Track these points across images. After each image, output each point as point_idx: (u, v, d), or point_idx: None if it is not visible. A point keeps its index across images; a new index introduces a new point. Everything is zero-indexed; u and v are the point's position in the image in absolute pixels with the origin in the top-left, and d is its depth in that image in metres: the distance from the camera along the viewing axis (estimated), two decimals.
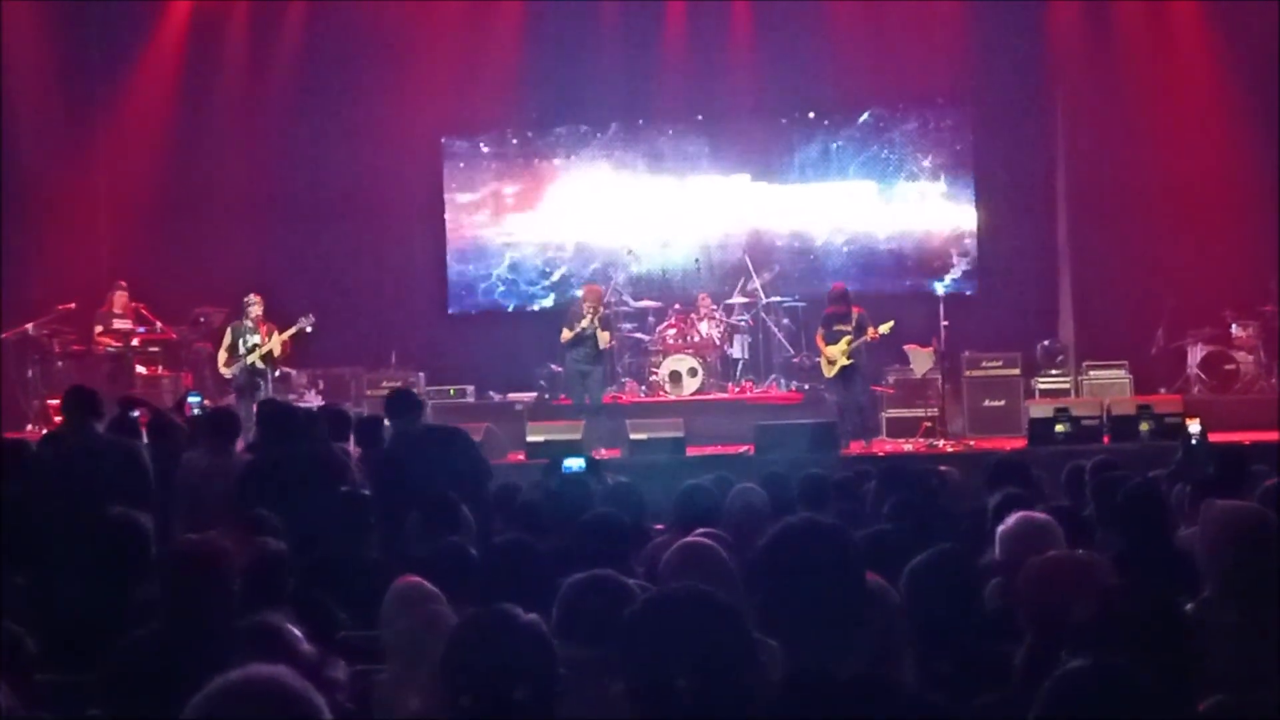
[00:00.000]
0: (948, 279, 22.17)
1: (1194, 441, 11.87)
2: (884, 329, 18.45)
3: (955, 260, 22.82)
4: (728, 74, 23.03)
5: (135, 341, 20.17)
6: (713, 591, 3.69)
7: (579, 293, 20.15)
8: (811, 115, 23.32)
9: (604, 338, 18.79)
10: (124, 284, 20.37)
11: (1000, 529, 6.17)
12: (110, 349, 19.88)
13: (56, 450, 10.33)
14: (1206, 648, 5.02)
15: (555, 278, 23.48)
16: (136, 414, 11.39)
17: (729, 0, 23.08)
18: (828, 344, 18.66)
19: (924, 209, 23.07)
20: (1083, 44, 22.08)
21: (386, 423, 11.40)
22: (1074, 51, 22.13)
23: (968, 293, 22.13)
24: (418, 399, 11.27)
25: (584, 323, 18.63)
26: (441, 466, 9.92)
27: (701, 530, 6.75)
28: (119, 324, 20.06)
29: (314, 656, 4.87)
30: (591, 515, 7.31)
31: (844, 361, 18.44)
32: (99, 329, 20.03)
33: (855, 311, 18.66)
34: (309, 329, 18.75)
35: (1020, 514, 6.28)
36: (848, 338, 18.43)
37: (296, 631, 4.97)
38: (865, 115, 23.20)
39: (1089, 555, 5.64)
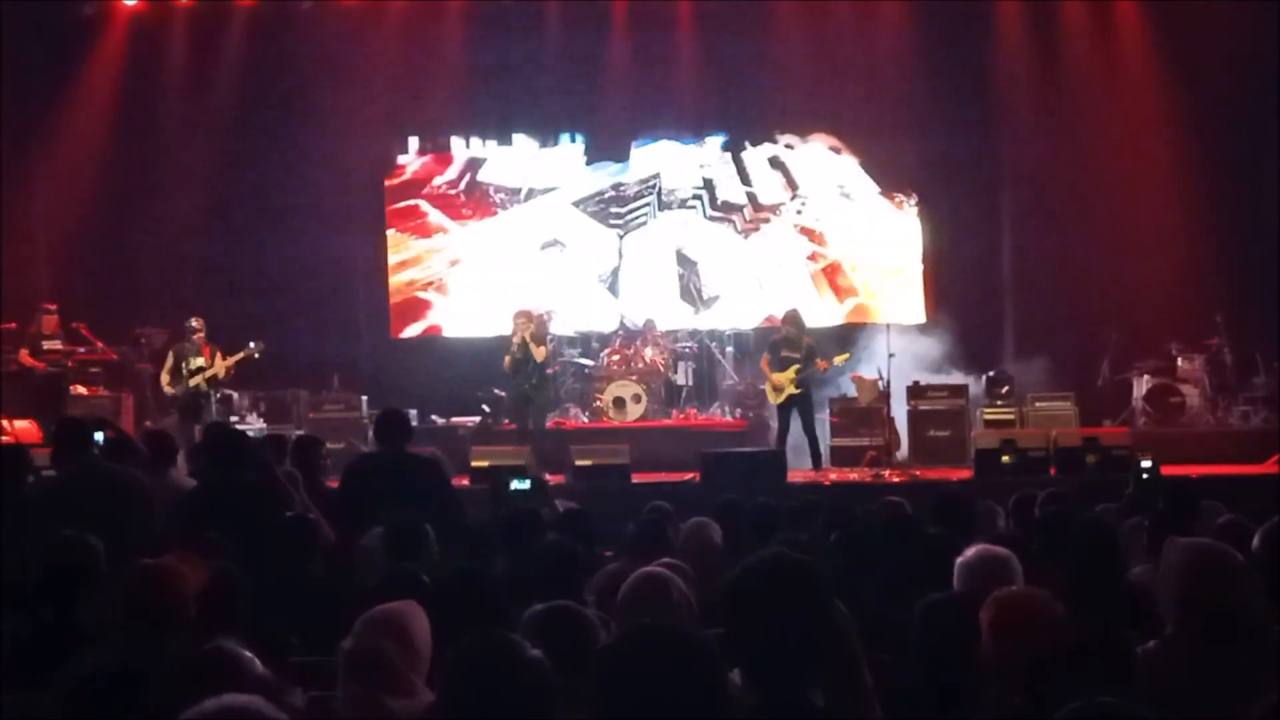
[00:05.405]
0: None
1: (1144, 475, 11.83)
2: (839, 360, 18.39)
3: (901, 289, 22.86)
4: (671, 103, 23.09)
5: (69, 362, 20.00)
6: (690, 629, 3.63)
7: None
8: (752, 144, 23.30)
9: (540, 352, 18.93)
10: (53, 306, 20.16)
11: (959, 561, 6.13)
12: (48, 368, 19.70)
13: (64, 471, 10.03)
14: (1164, 686, 5.02)
15: (499, 302, 23.29)
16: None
17: (674, 31, 23.10)
18: (774, 370, 18.49)
19: (869, 238, 23.10)
20: (1028, 74, 22.23)
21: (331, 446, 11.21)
22: (1020, 81, 22.27)
23: (913, 322, 22.12)
24: (409, 423, 11.08)
25: (515, 339, 18.82)
26: (409, 492, 9.78)
27: (660, 561, 6.68)
28: (48, 345, 19.86)
29: (271, 683, 4.80)
30: (545, 543, 7.25)
31: (791, 390, 18.37)
32: (25, 350, 19.81)
33: (805, 340, 18.57)
34: (257, 355, 18.76)
35: (979, 546, 6.25)
36: (795, 365, 18.32)
37: (252, 656, 4.90)
38: (811, 142, 23.19)
39: (1047, 592, 5.60)
